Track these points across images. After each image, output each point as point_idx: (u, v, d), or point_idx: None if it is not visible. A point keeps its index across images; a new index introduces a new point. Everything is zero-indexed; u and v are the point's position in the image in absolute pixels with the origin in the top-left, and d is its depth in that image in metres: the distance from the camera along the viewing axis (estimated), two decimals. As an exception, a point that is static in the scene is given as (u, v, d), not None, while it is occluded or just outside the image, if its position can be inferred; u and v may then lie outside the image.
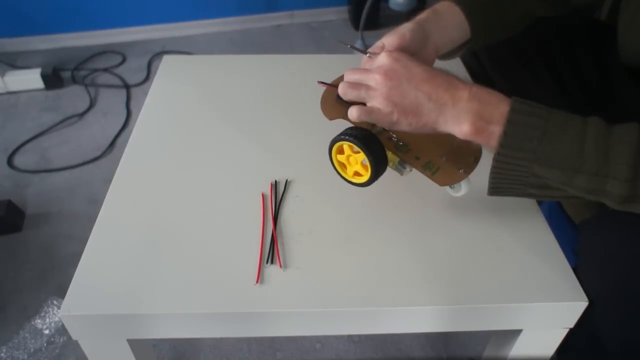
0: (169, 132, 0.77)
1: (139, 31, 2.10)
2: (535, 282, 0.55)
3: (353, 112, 0.54)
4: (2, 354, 0.99)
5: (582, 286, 0.55)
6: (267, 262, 0.57)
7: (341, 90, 0.55)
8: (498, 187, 0.52)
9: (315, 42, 2.11)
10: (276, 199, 0.65)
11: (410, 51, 0.59)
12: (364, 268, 0.57)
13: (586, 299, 0.53)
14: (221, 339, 1.01)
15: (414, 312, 0.53)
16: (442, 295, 0.54)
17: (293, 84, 0.88)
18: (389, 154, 0.57)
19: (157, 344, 1.01)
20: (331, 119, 0.59)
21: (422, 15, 0.63)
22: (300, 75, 0.91)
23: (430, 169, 0.56)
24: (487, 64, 0.85)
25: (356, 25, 2.08)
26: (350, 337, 1.02)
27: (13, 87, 1.77)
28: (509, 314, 0.55)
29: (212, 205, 0.64)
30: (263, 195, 0.65)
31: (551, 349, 0.61)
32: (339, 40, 0.68)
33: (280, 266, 0.56)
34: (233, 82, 0.89)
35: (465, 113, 0.49)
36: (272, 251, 0.58)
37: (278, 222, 0.62)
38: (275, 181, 0.67)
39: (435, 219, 0.63)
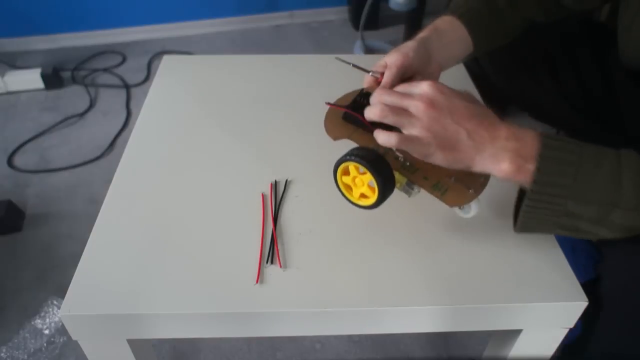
0: (168, 132, 0.77)
1: (139, 31, 2.10)
2: (535, 282, 0.55)
3: (392, 139, 0.51)
4: (2, 354, 0.99)
5: (605, 308, 0.54)
6: (267, 262, 0.57)
7: (378, 112, 0.52)
8: (527, 225, 0.52)
9: (315, 42, 2.11)
10: (276, 199, 0.65)
11: (414, 69, 0.59)
12: (364, 268, 0.56)
13: (586, 299, 0.53)
14: (221, 339, 1.01)
15: (414, 312, 0.53)
16: (442, 295, 0.54)
17: (293, 84, 0.88)
18: (396, 175, 0.55)
19: (157, 344, 1.01)
20: (336, 139, 0.57)
21: (423, 34, 0.63)
22: (300, 75, 0.91)
23: (439, 190, 0.54)
24: (488, 68, 0.85)
25: (356, 25, 2.07)
26: (350, 337, 1.02)
27: (13, 87, 1.77)
28: (509, 314, 0.55)
29: (212, 205, 0.64)
30: (263, 195, 0.65)
31: (551, 349, 0.61)
32: (337, 57, 0.65)
33: (280, 266, 0.56)
34: (233, 82, 0.89)
35: (503, 151, 0.49)
36: (272, 251, 0.58)
37: (278, 222, 0.62)
38: (275, 181, 0.67)
39: (435, 219, 0.62)
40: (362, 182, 0.55)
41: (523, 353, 0.62)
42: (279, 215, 0.63)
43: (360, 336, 1.02)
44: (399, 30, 2.08)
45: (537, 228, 0.52)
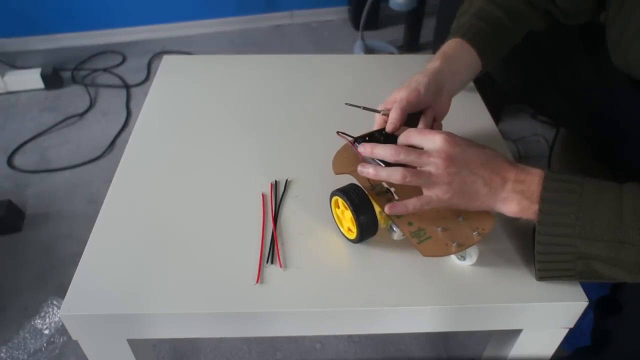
0: (169, 132, 0.77)
1: (139, 31, 2.10)
2: (535, 282, 0.55)
3: (416, 205, 0.52)
4: (2, 354, 0.99)
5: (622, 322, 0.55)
6: (267, 262, 0.57)
7: (400, 178, 0.51)
8: (546, 271, 0.53)
9: (315, 42, 2.11)
10: (276, 199, 0.65)
11: (426, 104, 0.61)
12: (364, 268, 0.57)
13: (586, 299, 0.53)
14: (221, 339, 1.02)
15: (414, 312, 0.53)
16: (442, 295, 0.54)
17: (293, 84, 0.88)
18: (384, 216, 0.56)
19: (157, 344, 1.01)
20: (337, 173, 0.59)
21: (434, 64, 0.64)
22: (300, 75, 0.91)
23: (418, 237, 0.54)
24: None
25: (356, 25, 2.07)
26: (350, 337, 1.02)
27: (13, 87, 1.77)
28: (509, 314, 0.55)
29: (212, 205, 0.64)
30: (263, 195, 0.65)
31: (551, 349, 0.61)
32: (347, 103, 0.64)
33: (280, 266, 0.56)
34: (233, 82, 0.89)
35: (512, 193, 0.51)
36: (272, 251, 0.58)
37: (278, 222, 0.62)
38: (275, 181, 0.67)
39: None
40: (347, 218, 0.57)
41: (523, 353, 0.62)
42: (279, 215, 0.63)
43: (360, 336, 1.02)
44: (399, 30, 2.08)
45: (557, 276, 0.53)
